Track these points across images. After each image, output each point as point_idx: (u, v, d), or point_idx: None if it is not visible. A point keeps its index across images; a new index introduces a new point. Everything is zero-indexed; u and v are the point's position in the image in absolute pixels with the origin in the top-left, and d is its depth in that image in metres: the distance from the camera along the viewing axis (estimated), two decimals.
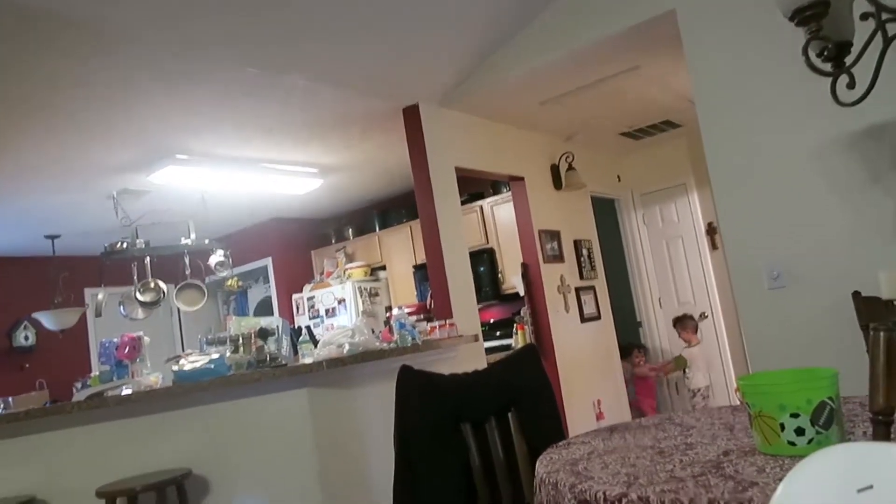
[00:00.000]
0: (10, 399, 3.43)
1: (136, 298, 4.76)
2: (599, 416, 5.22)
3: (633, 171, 6.61)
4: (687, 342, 5.95)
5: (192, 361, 2.95)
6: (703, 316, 6.25)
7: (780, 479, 1.11)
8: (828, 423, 1.39)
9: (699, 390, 5.87)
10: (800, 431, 1.40)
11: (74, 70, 3.22)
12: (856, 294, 2.60)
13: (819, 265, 2.84)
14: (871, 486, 0.93)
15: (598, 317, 5.63)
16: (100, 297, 4.95)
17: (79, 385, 3.40)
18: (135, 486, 2.58)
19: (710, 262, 6.23)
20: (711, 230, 6.19)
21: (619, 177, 6.54)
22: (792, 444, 1.40)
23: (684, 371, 5.89)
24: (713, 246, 6.18)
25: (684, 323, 6.03)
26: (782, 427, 1.41)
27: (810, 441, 1.38)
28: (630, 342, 6.22)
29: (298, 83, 3.78)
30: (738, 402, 2.04)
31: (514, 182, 5.19)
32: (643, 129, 5.87)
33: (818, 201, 2.86)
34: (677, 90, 4.89)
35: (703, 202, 6.21)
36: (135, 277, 4.88)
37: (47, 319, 5.56)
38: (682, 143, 6.30)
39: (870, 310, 2.50)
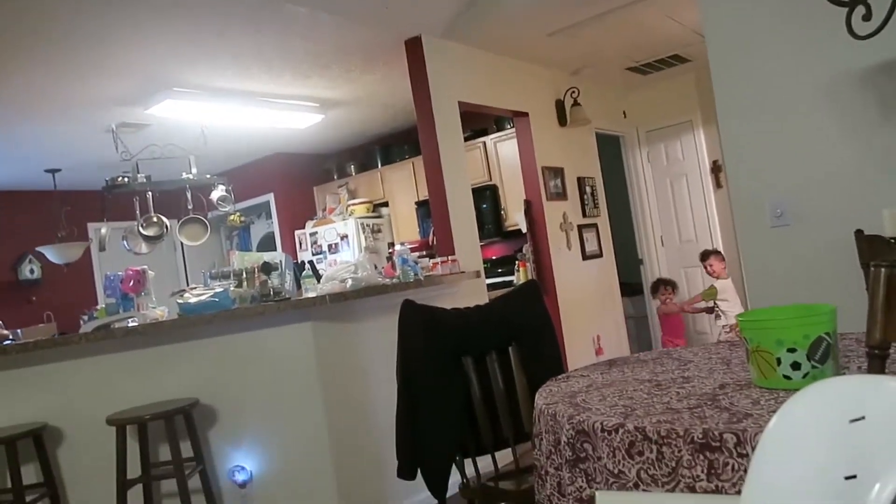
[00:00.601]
0: (19, 331, 3.48)
1: (140, 233, 4.77)
2: (599, 352, 5.31)
3: (639, 108, 6.50)
4: (716, 275, 5.54)
5: (197, 295, 2.98)
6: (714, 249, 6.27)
7: (775, 412, 1.13)
8: (823, 358, 1.42)
9: (735, 327, 5.24)
10: (796, 366, 1.42)
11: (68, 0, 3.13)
12: (858, 232, 2.60)
13: (823, 203, 2.83)
14: (863, 418, 0.95)
15: (600, 254, 5.65)
16: (103, 231, 4.96)
17: (85, 317, 3.45)
18: (144, 414, 2.65)
19: (713, 200, 6.21)
20: (716, 168, 6.13)
21: (624, 113, 6.44)
22: (787, 377, 1.43)
23: (715, 305, 5.50)
24: (717, 184, 6.14)
25: (710, 256, 5.64)
26: (779, 361, 1.44)
27: (805, 375, 1.41)
28: (659, 278, 6.05)
29: (299, 12, 3.67)
30: (737, 338, 2.07)
31: (517, 118, 5.12)
32: (651, 63, 5.74)
33: (825, 138, 2.81)
34: (688, 23, 4.76)
35: (709, 140, 6.14)
36: (137, 212, 4.88)
37: (52, 253, 5.59)
38: (690, 79, 6.17)
39: (872, 248, 2.50)
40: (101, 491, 2.84)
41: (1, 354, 2.83)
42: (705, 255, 5.69)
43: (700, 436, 1.26)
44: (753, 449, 1.15)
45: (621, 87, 6.38)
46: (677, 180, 6.42)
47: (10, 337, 3.33)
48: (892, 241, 2.13)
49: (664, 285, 5.88)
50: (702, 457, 1.26)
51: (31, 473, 2.80)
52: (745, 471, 1.17)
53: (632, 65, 5.70)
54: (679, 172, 6.41)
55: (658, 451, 1.32)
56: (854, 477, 0.93)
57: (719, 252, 5.75)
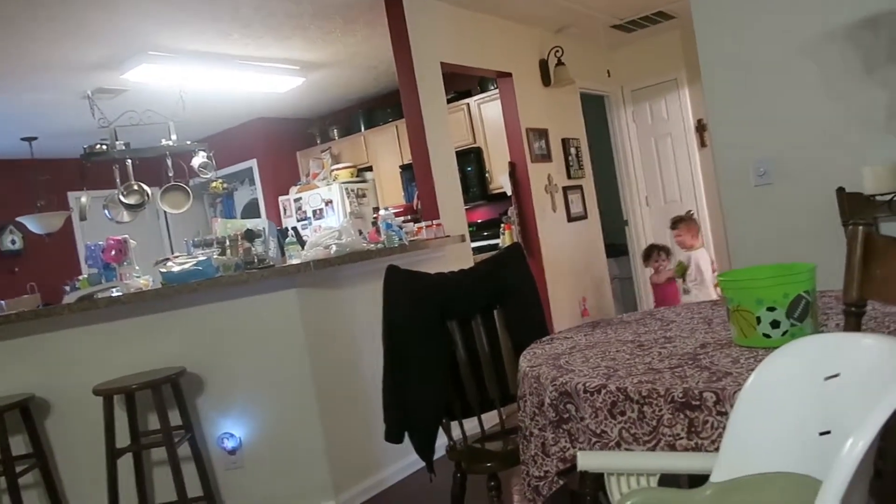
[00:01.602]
0: (2, 302, 3.45)
1: (121, 201, 4.70)
2: (584, 313, 5.36)
3: (623, 67, 6.44)
4: (687, 246, 5.02)
5: (180, 263, 2.95)
6: (689, 213, 6.28)
7: (753, 370, 1.15)
8: (802, 316, 1.43)
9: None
10: (775, 324, 1.44)
11: None
12: (839, 190, 2.62)
13: (806, 161, 2.83)
14: (837, 375, 0.96)
15: (585, 216, 5.66)
16: (83, 200, 4.89)
17: (68, 288, 3.41)
18: (131, 383, 2.65)
19: (697, 159, 6.21)
20: (701, 127, 6.12)
21: (608, 72, 6.38)
22: (767, 336, 1.45)
23: (684, 279, 4.94)
24: (702, 143, 6.13)
25: (679, 225, 5.11)
26: (759, 320, 1.45)
27: (785, 333, 1.43)
28: (652, 244, 5.46)
29: None
30: (719, 297, 2.08)
31: (501, 79, 5.06)
32: (636, 20, 5.66)
33: (809, 96, 2.81)
34: None
35: (694, 98, 6.10)
36: (117, 180, 4.80)
37: (32, 223, 5.50)
38: (675, 37, 6.11)
39: (853, 206, 2.52)
40: (90, 460, 2.85)
41: None
42: (674, 224, 5.17)
43: (680, 395, 1.28)
44: (732, 407, 1.17)
45: (605, 46, 6.30)
46: (662, 140, 6.41)
47: None
48: (872, 198, 2.15)
49: (657, 251, 5.27)
50: (682, 415, 1.28)
51: (19, 445, 2.81)
52: (724, 428, 1.19)
53: (616, 22, 5.62)
54: (664, 132, 6.39)
55: (639, 410, 1.35)
56: (828, 433, 0.95)
57: (691, 219, 5.24)
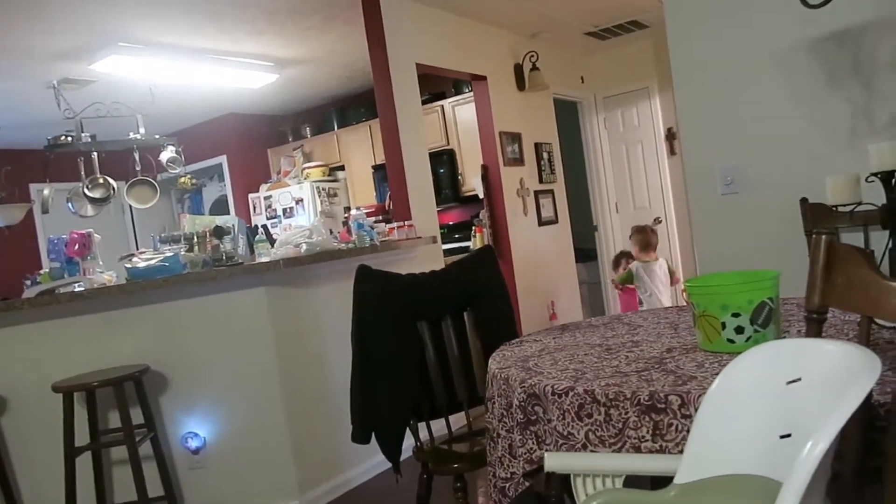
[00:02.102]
0: None
1: (85, 194, 4.60)
2: (553, 317, 5.40)
3: (596, 73, 6.51)
4: (636, 257, 5.05)
5: (146, 259, 2.90)
6: (657, 221, 6.38)
7: (718, 374, 1.17)
8: (766, 322, 1.46)
9: None
10: (739, 330, 1.46)
11: None
12: (803, 200, 2.67)
13: (771, 171, 2.89)
14: (799, 379, 0.99)
15: (556, 220, 5.70)
16: (45, 192, 4.76)
17: (28, 282, 3.33)
18: (92, 381, 2.59)
19: (667, 167, 6.30)
20: (671, 135, 6.21)
21: (582, 78, 6.44)
22: (731, 341, 1.47)
23: (627, 287, 4.88)
24: (672, 152, 6.23)
25: (632, 235, 5.09)
26: (723, 326, 1.48)
27: (748, 339, 1.45)
28: (622, 251, 5.45)
29: None
30: (686, 303, 2.11)
31: (476, 81, 5.07)
32: (609, 28, 5.73)
33: (775, 107, 2.87)
34: None
35: (665, 107, 6.20)
36: (82, 173, 4.69)
37: None
38: (648, 45, 6.20)
39: (816, 215, 2.58)
40: (48, 459, 2.78)
41: None
42: (630, 234, 5.15)
43: (646, 398, 1.29)
44: (696, 410, 1.19)
45: (580, 52, 6.37)
46: (633, 147, 6.49)
47: None
48: (834, 208, 2.20)
49: (625, 258, 5.34)
50: (647, 418, 1.29)
51: None
52: (689, 431, 1.21)
53: (590, 29, 5.69)
54: (635, 139, 6.47)
55: (606, 413, 1.36)
56: (789, 436, 0.97)
57: (643, 231, 5.10)
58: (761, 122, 2.91)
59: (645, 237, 5.06)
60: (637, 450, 1.31)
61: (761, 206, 2.92)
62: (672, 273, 5.04)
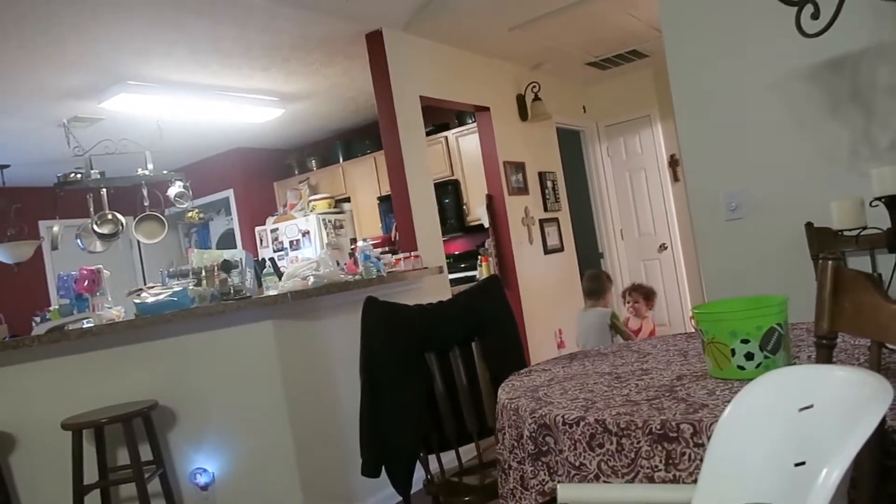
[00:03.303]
0: None
1: (94, 230, 4.64)
2: (560, 345, 5.37)
3: (598, 103, 6.58)
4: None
5: (155, 294, 2.91)
6: (662, 247, 6.38)
7: (729, 402, 1.17)
8: (776, 348, 1.46)
9: None
10: (749, 356, 1.46)
11: None
12: (808, 225, 2.68)
13: (776, 196, 2.91)
14: (811, 406, 0.98)
15: (562, 248, 5.71)
16: (55, 229, 4.81)
17: (38, 319, 3.34)
18: (100, 417, 2.58)
19: (671, 194, 6.33)
20: (674, 162, 6.25)
21: (584, 107, 6.51)
22: (741, 368, 1.47)
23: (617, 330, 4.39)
24: (675, 178, 6.26)
25: (636, 292, 4.79)
26: (733, 352, 1.48)
27: (758, 365, 1.45)
28: (635, 283, 5.01)
29: (256, 3, 3.61)
30: (694, 330, 2.11)
31: (479, 112, 5.13)
32: (610, 58, 5.81)
33: (777, 133, 2.89)
34: (646, 18, 4.83)
35: (667, 134, 6.24)
36: (91, 209, 4.74)
37: (1, 252, 5.39)
38: (649, 74, 6.27)
39: (821, 240, 2.58)
40: (57, 497, 2.77)
41: None
42: (635, 290, 4.84)
43: (658, 427, 1.29)
44: (709, 438, 1.18)
45: (581, 82, 6.44)
46: (636, 174, 6.52)
47: None
48: (840, 232, 2.21)
49: (631, 292, 4.90)
50: (660, 447, 1.29)
51: None
52: (702, 460, 1.20)
53: (591, 60, 5.76)
54: (638, 166, 6.51)
55: (618, 442, 1.35)
56: (803, 463, 0.96)
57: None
58: (763, 148, 2.93)
59: (587, 283, 4.75)
60: (650, 480, 1.30)
61: (766, 231, 2.93)
62: (618, 327, 4.40)
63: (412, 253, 3.81)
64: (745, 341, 1.46)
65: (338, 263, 3.37)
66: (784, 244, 2.85)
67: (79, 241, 4.83)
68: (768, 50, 2.86)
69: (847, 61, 2.68)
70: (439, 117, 5.77)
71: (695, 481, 1.18)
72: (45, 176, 5.48)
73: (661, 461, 1.29)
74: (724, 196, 3.03)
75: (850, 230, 2.12)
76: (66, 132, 4.89)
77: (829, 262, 1.23)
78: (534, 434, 1.55)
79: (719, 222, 3.06)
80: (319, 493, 3.01)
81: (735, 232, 3.01)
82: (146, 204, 4.79)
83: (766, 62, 2.88)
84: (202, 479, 2.89)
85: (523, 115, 5.47)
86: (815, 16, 2.18)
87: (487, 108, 5.08)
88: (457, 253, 5.97)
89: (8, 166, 5.91)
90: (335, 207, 6.72)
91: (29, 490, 2.84)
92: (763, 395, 1.07)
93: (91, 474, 2.70)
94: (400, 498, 2.22)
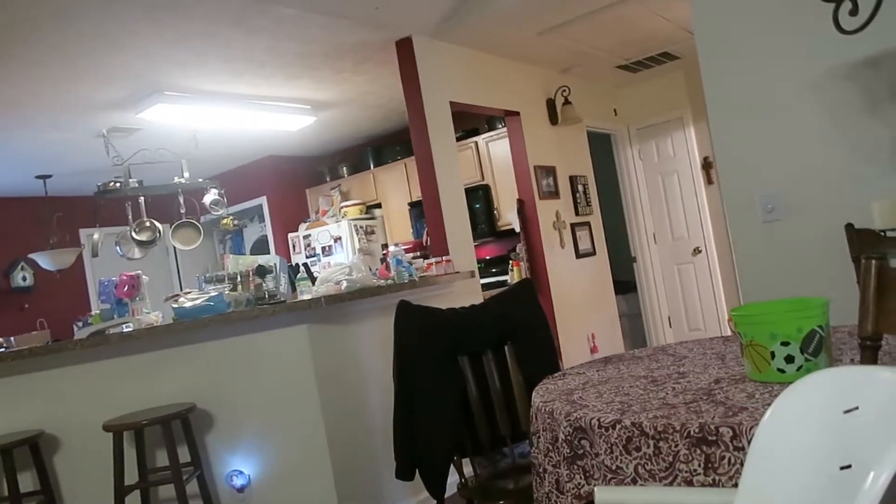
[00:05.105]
0: (12, 339, 3.46)
1: (133, 238, 4.75)
2: (593, 350, 5.33)
3: (629, 105, 6.53)
4: None
5: (192, 299, 2.97)
6: (696, 251, 6.30)
7: (769, 405, 1.15)
8: (817, 351, 1.43)
9: None
10: (789, 359, 1.43)
11: (56, 1, 3.12)
12: (849, 226, 2.62)
13: (814, 197, 2.85)
14: (856, 408, 0.96)
15: (593, 252, 5.67)
16: (95, 236, 4.94)
17: (80, 324, 3.43)
18: (141, 419, 2.64)
19: (704, 196, 6.24)
20: (707, 165, 6.17)
21: (615, 110, 6.46)
22: (781, 371, 1.44)
23: None
24: (708, 181, 6.17)
25: None
26: (773, 355, 1.45)
27: (799, 368, 1.42)
28: None
29: (288, 13, 3.67)
30: (731, 333, 2.08)
31: (509, 117, 5.13)
32: (641, 61, 5.77)
33: (815, 133, 2.84)
34: (677, 20, 4.78)
35: (700, 136, 6.17)
36: (129, 217, 4.86)
37: (44, 260, 5.55)
38: (680, 76, 6.20)
39: (863, 241, 2.52)
40: (98, 498, 2.83)
41: None
42: None
43: (696, 430, 1.27)
44: (749, 442, 1.16)
45: (611, 85, 6.40)
46: (668, 177, 6.45)
47: (4, 345, 3.31)
48: (882, 233, 2.16)
49: None
50: (698, 451, 1.27)
51: (28, 481, 2.79)
52: (742, 464, 1.18)
53: (621, 62, 5.72)
54: (670, 169, 6.44)
55: (655, 446, 1.34)
56: (849, 467, 0.94)
57: None
58: (800, 148, 2.88)
59: None
60: (689, 483, 1.28)
61: (805, 233, 2.87)
62: None
63: (444, 258, 3.82)
64: (785, 343, 1.43)
65: (370, 268, 3.40)
66: (823, 246, 2.79)
67: (118, 248, 4.95)
68: (804, 48, 2.82)
69: (886, 58, 2.62)
70: (469, 122, 5.79)
71: (735, 485, 1.16)
72: (85, 185, 5.64)
73: (699, 465, 1.27)
74: (761, 198, 2.98)
75: (892, 230, 2.07)
76: (106, 142, 5.02)
77: (873, 262, 1.21)
78: (569, 437, 1.54)
79: (756, 225, 3.01)
80: (353, 496, 3.03)
81: (772, 234, 2.96)
82: (182, 211, 4.88)
83: (802, 61, 2.83)
84: (238, 481, 2.93)
85: (553, 118, 5.45)
86: (854, 12, 2.14)
87: (517, 113, 5.07)
88: (488, 258, 5.97)
89: (50, 176, 6.08)
90: (366, 213, 6.77)
91: (72, 490, 2.91)
92: (806, 397, 1.05)
93: (131, 475, 2.75)
94: (434, 501, 2.22)
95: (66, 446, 2.92)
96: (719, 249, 6.15)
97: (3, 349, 3.07)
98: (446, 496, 2.19)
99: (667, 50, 5.56)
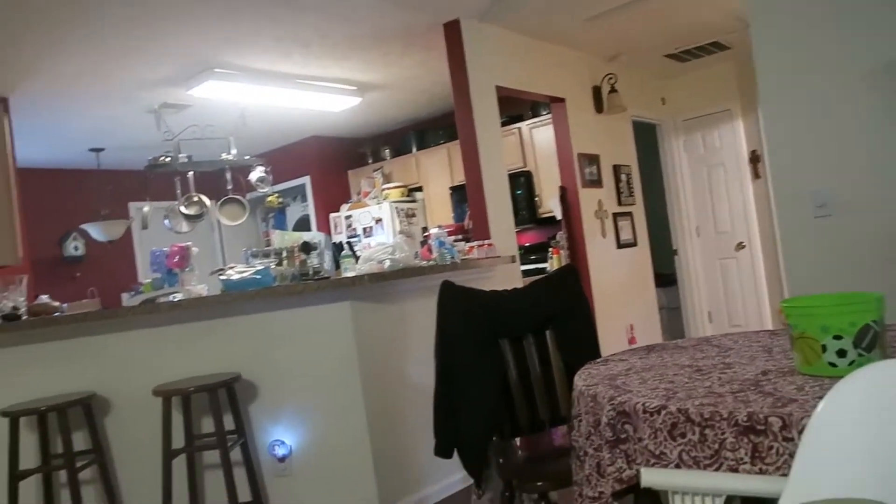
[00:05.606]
0: (64, 305, 3.58)
1: (181, 212, 4.87)
2: (631, 341, 5.30)
3: (676, 96, 6.43)
4: None
5: (239, 272, 3.05)
6: (740, 246, 6.19)
7: (820, 398, 1.14)
8: (870, 346, 1.41)
9: None
10: (841, 353, 1.42)
11: None
12: None
13: (868, 193, 2.79)
14: None
15: (635, 243, 5.62)
16: (145, 209, 5.08)
17: (129, 294, 3.54)
18: (188, 386, 2.73)
19: (750, 191, 6.12)
20: (755, 158, 6.04)
21: (663, 99, 6.37)
22: (833, 365, 1.43)
23: None
24: (755, 174, 6.05)
25: None
26: (824, 348, 1.44)
27: (851, 363, 1.41)
28: None
29: None
30: (782, 326, 2.06)
31: (554, 104, 5.10)
32: (690, 50, 5.66)
33: (870, 128, 2.77)
34: (728, 9, 4.68)
35: (748, 129, 6.04)
36: (178, 191, 4.98)
37: (95, 231, 5.73)
38: (730, 67, 6.07)
39: None
40: (146, 459, 2.94)
41: (53, 325, 2.94)
42: None
43: (745, 419, 1.27)
44: (800, 433, 1.16)
45: (659, 75, 6.30)
46: (714, 170, 6.34)
47: (59, 310, 3.44)
48: None
49: None
50: (746, 440, 1.27)
51: (80, 440, 2.91)
52: (791, 455, 1.18)
53: (670, 51, 5.63)
54: (716, 162, 6.33)
55: (701, 433, 1.34)
56: None
57: None
58: (856, 143, 2.81)
59: None
60: (735, 472, 1.28)
61: (857, 230, 2.81)
62: None
63: (485, 241, 3.83)
64: (837, 337, 1.42)
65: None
66: (876, 243, 2.73)
67: (166, 221, 5.08)
68: (863, 41, 2.74)
69: None
70: (513, 108, 5.77)
71: (782, 476, 1.17)
72: (135, 159, 5.80)
73: (746, 454, 1.27)
74: (812, 193, 2.93)
75: None
76: (157, 118, 5.14)
77: None
78: (612, 421, 1.55)
79: (806, 220, 2.95)
80: (391, 472, 3.09)
81: (823, 230, 2.91)
82: (229, 188, 4.99)
83: (860, 54, 2.76)
84: (280, 451, 3.01)
85: (599, 106, 5.40)
86: None
87: (563, 100, 5.04)
88: (527, 245, 5.96)
89: (103, 150, 6.26)
90: (408, 196, 6.82)
91: (121, 450, 3.03)
92: (861, 390, 1.05)
93: (178, 440, 2.85)
94: (469, 482, 2.25)
95: (117, 409, 3.03)
96: (764, 245, 6.04)
97: (59, 314, 3.19)
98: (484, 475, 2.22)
99: (717, 40, 5.45)
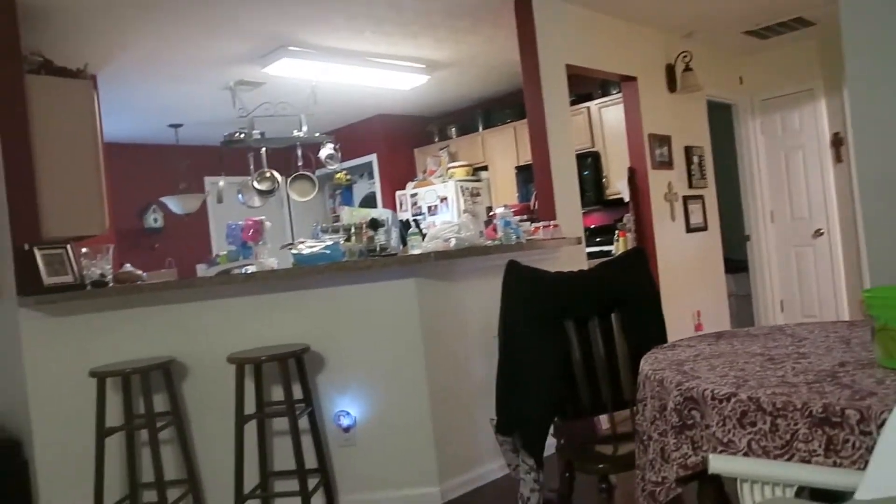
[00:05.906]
0: (144, 275, 3.77)
1: (254, 187, 5.03)
2: (698, 328, 5.19)
3: (755, 75, 6.17)
4: None
5: (310, 247, 3.13)
6: (818, 233, 5.94)
7: None
8: None
9: None
10: None
11: None
12: None
13: None
14: None
15: (705, 228, 5.47)
16: (220, 184, 5.27)
17: (205, 265, 3.69)
18: (260, 355, 2.84)
19: (831, 175, 5.85)
20: (837, 141, 5.76)
21: (741, 78, 6.13)
22: None
23: None
24: (837, 159, 5.77)
25: None
26: None
27: None
28: None
29: None
30: (862, 317, 1.98)
31: (625, 82, 4.99)
32: (771, 27, 5.41)
33: None
34: None
35: (832, 110, 5.75)
36: (251, 167, 5.14)
37: (174, 204, 5.99)
38: (813, 45, 5.78)
39: None
40: (219, 422, 3.09)
41: (136, 293, 3.10)
42: None
43: (820, 410, 1.24)
44: (879, 427, 1.13)
45: (737, 53, 6.06)
46: (792, 153, 6.08)
47: (141, 279, 3.62)
48: None
49: None
50: (820, 431, 1.24)
51: (160, 402, 3.08)
52: (867, 449, 1.15)
53: (750, 27, 5.39)
54: (795, 145, 6.06)
55: (772, 422, 1.32)
56: None
57: None
58: None
59: None
60: (807, 464, 1.26)
61: None
62: None
63: (551, 222, 3.81)
64: None
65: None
66: None
67: (240, 195, 5.26)
68: None
69: None
70: (582, 87, 5.66)
71: (857, 470, 1.14)
72: (211, 135, 5.99)
73: (820, 445, 1.24)
74: None
75: None
76: (233, 95, 5.30)
77: None
78: (679, 406, 1.54)
79: (891, 207, 2.81)
80: (449, 447, 3.15)
81: None
82: (300, 164, 5.11)
83: None
84: (345, 422, 3.10)
85: (672, 85, 5.25)
86: None
87: (634, 78, 4.92)
88: (593, 226, 5.88)
89: (181, 125, 6.50)
90: (473, 175, 6.82)
91: (197, 413, 3.18)
92: None
93: (249, 405, 2.98)
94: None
95: (194, 374, 3.19)
96: (844, 233, 5.77)
97: (140, 283, 3.36)
98: (544, 456, 2.24)
99: (801, 15, 5.18)
